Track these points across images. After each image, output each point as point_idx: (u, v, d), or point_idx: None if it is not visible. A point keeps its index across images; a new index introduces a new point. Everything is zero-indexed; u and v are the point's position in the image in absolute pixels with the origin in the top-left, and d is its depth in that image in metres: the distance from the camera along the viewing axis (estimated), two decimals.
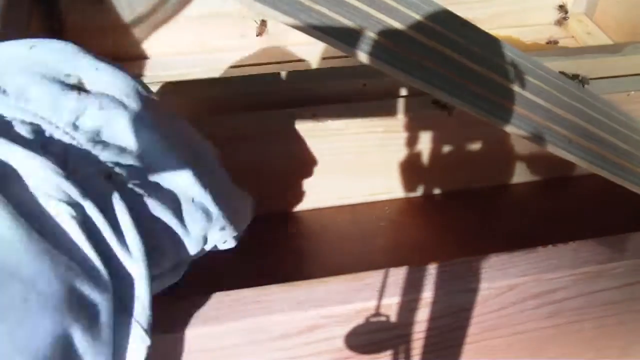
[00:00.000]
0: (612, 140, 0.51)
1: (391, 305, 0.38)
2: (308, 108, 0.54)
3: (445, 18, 0.51)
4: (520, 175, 0.61)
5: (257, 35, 0.76)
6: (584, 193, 0.60)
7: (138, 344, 0.30)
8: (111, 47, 0.74)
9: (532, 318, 0.42)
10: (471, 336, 0.41)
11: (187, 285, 0.51)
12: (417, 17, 0.47)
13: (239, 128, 0.52)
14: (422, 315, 0.39)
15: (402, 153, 0.57)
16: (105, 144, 0.31)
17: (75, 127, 0.30)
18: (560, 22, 0.84)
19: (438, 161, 0.58)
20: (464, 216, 0.59)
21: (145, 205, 0.32)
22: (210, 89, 0.55)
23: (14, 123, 0.29)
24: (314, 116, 0.53)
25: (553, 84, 0.53)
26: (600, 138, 0.50)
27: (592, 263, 0.40)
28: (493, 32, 0.81)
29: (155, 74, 0.73)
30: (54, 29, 0.69)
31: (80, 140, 0.30)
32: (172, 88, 0.54)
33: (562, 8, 0.84)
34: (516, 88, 0.47)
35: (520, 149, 0.59)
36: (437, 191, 0.61)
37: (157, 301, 0.37)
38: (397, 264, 0.39)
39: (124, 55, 0.75)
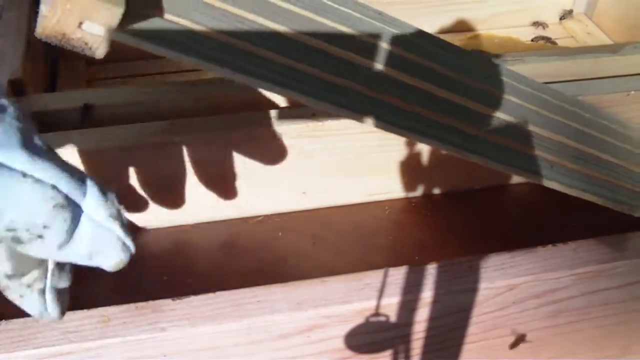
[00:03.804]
0: (598, 155, 0.50)
1: (391, 305, 0.38)
2: (308, 108, 0.54)
3: (414, 40, 0.50)
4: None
5: None
6: None
7: None
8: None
9: (532, 318, 0.42)
10: (471, 336, 0.41)
11: (182, 285, 0.51)
12: (381, 44, 0.46)
13: (240, 128, 0.52)
14: (422, 315, 0.39)
15: (402, 153, 0.57)
16: None
17: None
18: (561, 22, 0.84)
19: (438, 161, 0.58)
20: (464, 216, 0.59)
21: None
22: (210, 89, 0.55)
23: None
24: (314, 116, 0.53)
25: (537, 100, 0.52)
26: (586, 156, 0.49)
27: (592, 263, 0.40)
28: (493, 32, 0.82)
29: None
30: None
31: None
32: (175, 88, 0.55)
33: (563, 9, 0.84)
34: (494, 113, 0.46)
35: None
36: (437, 191, 0.61)
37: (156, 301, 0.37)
38: (397, 264, 0.39)
39: (122, 56, 0.75)
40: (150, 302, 0.37)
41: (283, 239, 0.56)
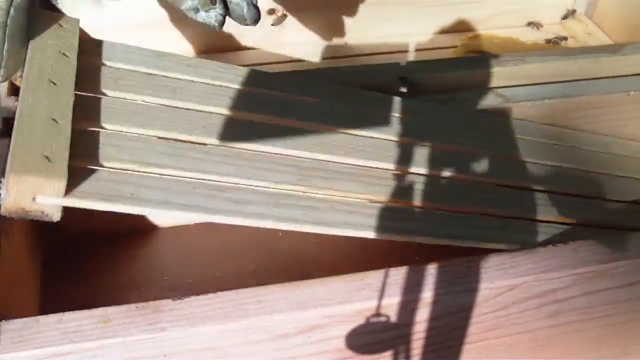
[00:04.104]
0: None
1: (391, 305, 0.38)
2: None
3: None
4: None
5: (272, 25, 0.75)
6: None
7: None
8: None
9: (532, 318, 0.42)
10: (471, 336, 0.41)
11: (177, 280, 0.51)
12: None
13: None
14: (423, 315, 0.39)
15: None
16: None
17: None
18: (562, 21, 0.84)
19: None
20: None
21: None
22: None
23: None
24: None
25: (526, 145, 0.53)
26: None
27: (593, 263, 0.40)
28: (493, 32, 0.82)
29: None
30: None
31: None
32: None
33: (565, 8, 0.84)
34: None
35: None
36: None
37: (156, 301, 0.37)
38: (397, 264, 0.39)
39: None
40: (150, 302, 0.37)
41: (283, 239, 0.56)
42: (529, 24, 0.83)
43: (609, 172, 0.52)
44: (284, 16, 0.75)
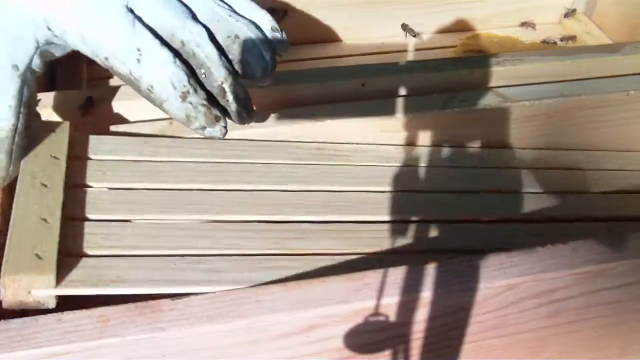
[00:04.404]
0: None
1: (390, 305, 0.38)
2: (307, 108, 0.54)
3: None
4: None
5: None
6: None
7: None
8: None
9: (531, 318, 0.42)
10: (470, 336, 0.41)
11: None
12: None
13: (237, 128, 0.52)
14: (422, 314, 0.39)
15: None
16: None
17: None
18: (562, 21, 0.84)
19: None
20: None
21: None
22: None
23: None
24: (313, 115, 0.53)
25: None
26: None
27: (592, 263, 0.40)
28: (492, 32, 0.82)
29: None
30: None
31: None
32: None
33: (565, 7, 0.84)
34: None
35: None
36: None
37: (155, 300, 0.37)
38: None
39: None
40: (150, 302, 0.37)
41: None
42: (522, 24, 0.83)
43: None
44: (284, 16, 0.75)
